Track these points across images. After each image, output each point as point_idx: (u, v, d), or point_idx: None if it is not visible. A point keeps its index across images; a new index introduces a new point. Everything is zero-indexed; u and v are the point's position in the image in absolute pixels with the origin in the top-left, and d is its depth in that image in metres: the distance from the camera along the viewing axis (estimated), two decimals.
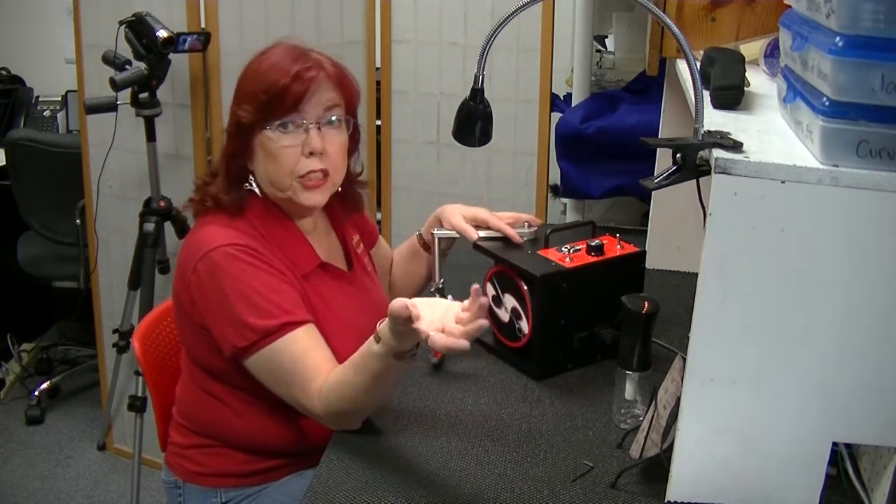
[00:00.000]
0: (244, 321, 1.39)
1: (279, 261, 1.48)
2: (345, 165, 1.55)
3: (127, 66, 2.35)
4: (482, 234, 1.66)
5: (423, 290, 1.85)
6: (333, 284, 1.57)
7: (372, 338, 1.27)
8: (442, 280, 1.71)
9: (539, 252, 1.58)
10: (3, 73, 3.74)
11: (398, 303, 1.15)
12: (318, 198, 1.51)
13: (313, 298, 1.50)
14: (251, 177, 1.52)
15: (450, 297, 1.46)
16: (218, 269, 1.41)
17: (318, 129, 1.47)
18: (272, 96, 1.44)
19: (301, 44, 1.52)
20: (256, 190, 1.52)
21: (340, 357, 1.48)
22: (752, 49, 1.54)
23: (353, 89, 1.54)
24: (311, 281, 1.52)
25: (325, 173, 1.49)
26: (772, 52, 1.48)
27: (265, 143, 1.46)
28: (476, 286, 1.17)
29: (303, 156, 1.47)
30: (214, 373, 1.52)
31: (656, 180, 1.20)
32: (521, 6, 1.35)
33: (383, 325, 1.25)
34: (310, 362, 1.39)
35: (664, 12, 1.34)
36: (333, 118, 1.49)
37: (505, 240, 1.66)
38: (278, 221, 1.53)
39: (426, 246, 1.78)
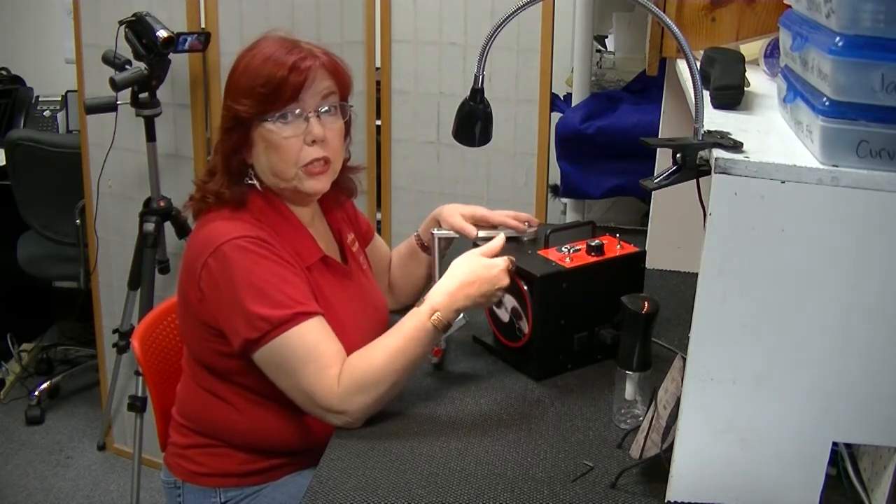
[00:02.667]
0: (256, 312, 1.39)
1: (286, 252, 1.48)
2: (343, 151, 1.58)
3: (127, 66, 2.35)
4: (482, 233, 1.66)
5: (423, 291, 1.85)
6: (332, 279, 1.58)
7: (417, 303, 1.45)
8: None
9: (539, 252, 1.58)
10: (3, 73, 3.74)
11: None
12: (322, 184, 1.54)
13: (315, 292, 1.50)
14: (251, 170, 1.53)
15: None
16: (229, 262, 1.42)
17: (318, 117, 1.49)
18: (271, 89, 1.45)
19: (288, 35, 1.53)
20: (257, 184, 1.53)
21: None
22: (752, 49, 1.54)
23: (347, 76, 1.56)
24: (312, 274, 1.53)
25: (327, 160, 1.52)
26: (772, 52, 1.48)
27: (266, 136, 1.47)
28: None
29: (305, 144, 1.49)
30: (217, 371, 1.52)
31: (656, 180, 1.20)
32: (521, 6, 1.35)
33: (433, 290, 1.45)
34: (326, 350, 1.41)
35: (664, 12, 1.34)
36: (330, 106, 1.51)
37: (505, 240, 1.66)
38: (280, 214, 1.53)
39: (424, 246, 1.79)
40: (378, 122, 2.91)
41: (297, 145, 1.48)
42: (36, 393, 3.25)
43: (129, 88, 2.36)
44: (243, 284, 1.41)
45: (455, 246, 1.79)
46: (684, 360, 1.14)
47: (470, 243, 1.67)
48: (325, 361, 1.40)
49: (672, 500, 1.19)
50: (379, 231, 3.00)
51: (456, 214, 1.70)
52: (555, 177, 2.70)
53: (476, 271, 1.45)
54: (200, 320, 1.48)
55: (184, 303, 1.53)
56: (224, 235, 1.44)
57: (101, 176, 2.64)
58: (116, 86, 2.31)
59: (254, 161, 1.52)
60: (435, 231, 1.72)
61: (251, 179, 1.53)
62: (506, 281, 1.46)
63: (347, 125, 1.57)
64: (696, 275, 1.08)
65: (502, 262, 1.47)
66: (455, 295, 1.43)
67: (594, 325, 1.56)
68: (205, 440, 1.57)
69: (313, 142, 1.49)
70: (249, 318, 1.40)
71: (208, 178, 1.53)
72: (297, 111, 1.47)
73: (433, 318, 1.42)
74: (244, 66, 1.49)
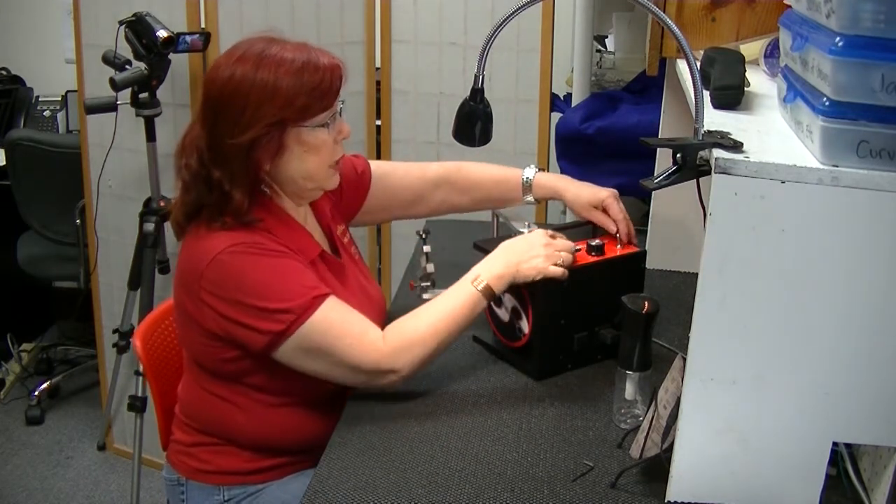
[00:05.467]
0: (274, 307, 1.39)
1: (286, 247, 1.48)
2: None
3: (127, 66, 2.35)
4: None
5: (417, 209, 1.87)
6: (330, 274, 1.58)
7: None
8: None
9: None
10: (3, 73, 3.74)
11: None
12: (338, 179, 1.57)
13: None
14: (266, 178, 1.50)
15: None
16: (231, 269, 1.41)
17: (340, 113, 1.51)
18: (322, 93, 1.44)
19: (270, 32, 1.50)
20: (269, 191, 1.51)
21: None
22: (752, 49, 1.54)
23: None
24: (314, 268, 1.53)
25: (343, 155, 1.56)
26: (772, 52, 1.48)
27: (306, 139, 1.46)
28: None
29: (336, 143, 1.51)
30: (222, 374, 1.51)
31: (656, 180, 1.20)
32: (521, 6, 1.35)
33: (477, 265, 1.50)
34: (355, 320, 1.44)
35: (664, 12, 1.34)
36: (342, 101, 1.53)
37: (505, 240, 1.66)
38: (276, 217, 1.52)
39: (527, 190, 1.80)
40: (378, 122, 2.91)
41: (332, 145, 1.50)
42: (36, 393, 3.25)
43: (129, 88, 2.36)
44: (251, 286, 1.40)
45: (455, 246, 1.79)
46: (684, 360, 1.14)
47: (470, 243, 1.67)
48: (360, 329, 1.43)
49: (672, 500, 1.19)
50: (379, 230, 3.01)
51: (589, 207, 1.70)
52: None
53: (514, 241, 1.51)
54: (204, 328, 1.47)
55: (182, 313, 1.52)
56: (217, 246, 1.42)
57: (101, 176, 2.64)
58: (116, 86, 2.31)
59: (280, 168, 1.48)
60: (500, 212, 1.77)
61: (266, 187, 1.51)
62: (543, 239, 1.49)
63: None
64: (696, 275, 1.08)
65: (540, 231, 1.52)
66: (495, 261, 1.49)
67: (594, 325, 1.56)
68: (208, 438, 1.57)
69: (343, 139, 1.52)
70: (269, 314, 1.39)
71: (220, 198, 1.45)
72: (335, 111, 1.49)
73: (475, 281, 1.47)
74: (279, 76, 1.41)
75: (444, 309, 1.46)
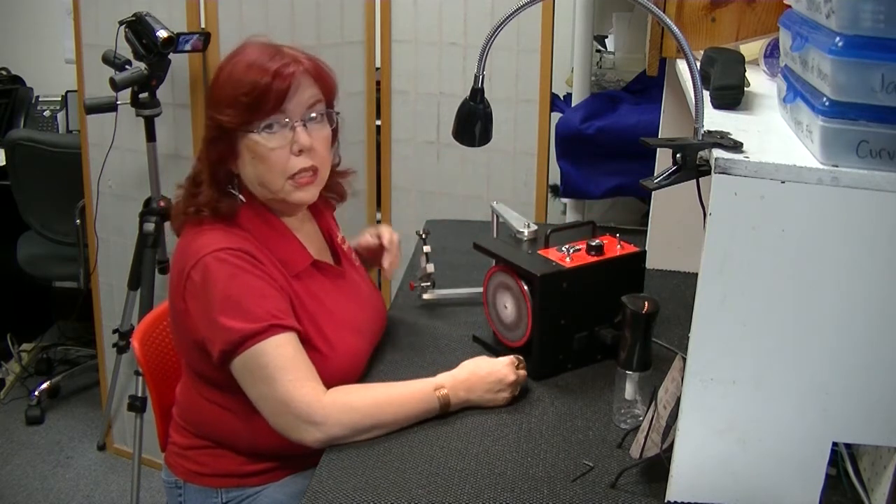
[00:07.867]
0: (230, 325, 1.38)
1: (271, 264, 1.47)
2: (330, 158, 1.56)
3: (127, 66, 2.35)
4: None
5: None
6: (326, 281, 1.57)
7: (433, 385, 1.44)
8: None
9: (539, 252, 1.58)
10: (3, 73, 3.74)
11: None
12: (310, 194, 1.52)
13: (305, 298, 1.50)
14: (235, 180, 1.51)
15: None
16: (209, 274, 1.41)
17: (304, 125, 1.47)
18: (255, 98, 1.42)
19: (270, 41, 1.50)
20: (238, 195, 1.50)
21: (339, 351, 1.49)
22: (752, 49, 1.54)
23: (332, 82, 1.54)
24: (303, 280, 1.52)
25: (315, 170, 1.50)
26: (772, 52, 1.48)
27: (252, 147, 1.45)
28: None
29: (292, 154, 1.47)
30: (213, 381, 1.51)
31: (656, 180, 1.20)
32: (521, 6, 1.35)
33: (444, 374, 1.46)
34: (305, 364, 1.41)
35: (664, 12, 1.34)
36: (317, 114, 1.49)
37: (505, 239, 1.66)
38: (267, 223, 1.52)
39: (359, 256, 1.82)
40: (378, 122, 2.91)
41: (284, 156, 1.46)
42: (36, 393, 3.25)
43: (129, 88, 2.36)
44: (220, 297, 1.40)
45: (455, 245, 1.78)
46: (684, 360, 1.14)
47: (471, 243, 1.67)
48: (305, 374, 1.40)
49: (672, 500, 1.19)
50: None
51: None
52: (555, 177, 2.70)
53: (482, 367, 1.47)
54: (189, 334, 1.47)
55: (173, 315, 1.52)
56: (207, 247, 1.43)
57: (101, 176, 2.64)
58: (116, 86, 2.31)
59: (240, 171, 1.49)
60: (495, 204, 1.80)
61: (234, 189, 1.50)
62: (511, 376, 1.45)
63: (335, 132, 1.55)
64: (696, 275, 1.08)
65: (508, 358, 1.48)
66: (462, 382, 1.45)
67: (594, 325, 1.56)
68: (205, 441, 1.57)
69: (300, 151, 1.46)
70: (224, 330, 1.39)
71: (195, 189, 1.49)
72: (285, 120, 1.45)
73: (437, 390, 1.43)
74: (226, 74, 1.46)
75: (397, 394, 1.42)
